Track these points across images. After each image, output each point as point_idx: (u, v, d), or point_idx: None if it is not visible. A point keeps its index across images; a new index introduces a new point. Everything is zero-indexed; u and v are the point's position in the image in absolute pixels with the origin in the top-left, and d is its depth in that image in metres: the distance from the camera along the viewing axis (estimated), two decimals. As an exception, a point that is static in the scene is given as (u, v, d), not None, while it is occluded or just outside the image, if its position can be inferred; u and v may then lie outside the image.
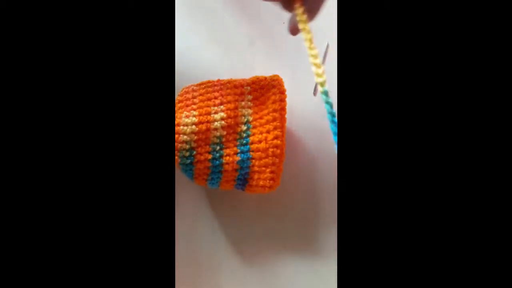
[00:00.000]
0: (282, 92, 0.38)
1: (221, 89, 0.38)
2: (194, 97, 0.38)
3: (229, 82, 0.39)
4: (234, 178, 0.38)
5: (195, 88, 0.38)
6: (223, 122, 0.36)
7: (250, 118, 0.37)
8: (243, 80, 0.39)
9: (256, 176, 0.37)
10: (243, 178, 0.38)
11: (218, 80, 0.39)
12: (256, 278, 0.33)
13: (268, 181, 0.37)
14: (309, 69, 0.42)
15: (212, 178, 0.38)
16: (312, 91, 0.44)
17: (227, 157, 0.37)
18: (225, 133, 0.37)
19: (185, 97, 0.38)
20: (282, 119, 0.37)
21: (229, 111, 0.37)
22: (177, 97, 0.38)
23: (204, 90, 0.38)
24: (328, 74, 0.43)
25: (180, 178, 0.38)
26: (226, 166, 0.37)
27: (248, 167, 0.37)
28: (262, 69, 0.42)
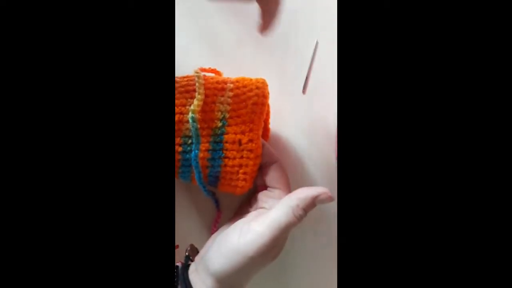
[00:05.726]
0: (265, 96, 0.36)
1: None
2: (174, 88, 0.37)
3: (212, 78, 0.38)
4: (205, 175, 0.37)
5: (178, 80, 0.37)
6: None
7: (227, 115, 0.36)
8: (228, 78, 0.38)
9: (228, 176, 0.37)
10: (215, 176, 0.37)
11: (204, 76, 0.38)
12: (255, 277, 0.34)
13: (240, 181, 0.37)
14: (297, 70, 0.43)
15: (183, 172, 0.37)
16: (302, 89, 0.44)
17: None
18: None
19: None
20: (260, 122, 0.36)
21: (204, 105, 0.36)
22: None
23: (185, 83, 0.37)
24: (328, 73, 0.44)
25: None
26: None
27: (220, 166, 0.36)
28: (250, 71, 0.41)
